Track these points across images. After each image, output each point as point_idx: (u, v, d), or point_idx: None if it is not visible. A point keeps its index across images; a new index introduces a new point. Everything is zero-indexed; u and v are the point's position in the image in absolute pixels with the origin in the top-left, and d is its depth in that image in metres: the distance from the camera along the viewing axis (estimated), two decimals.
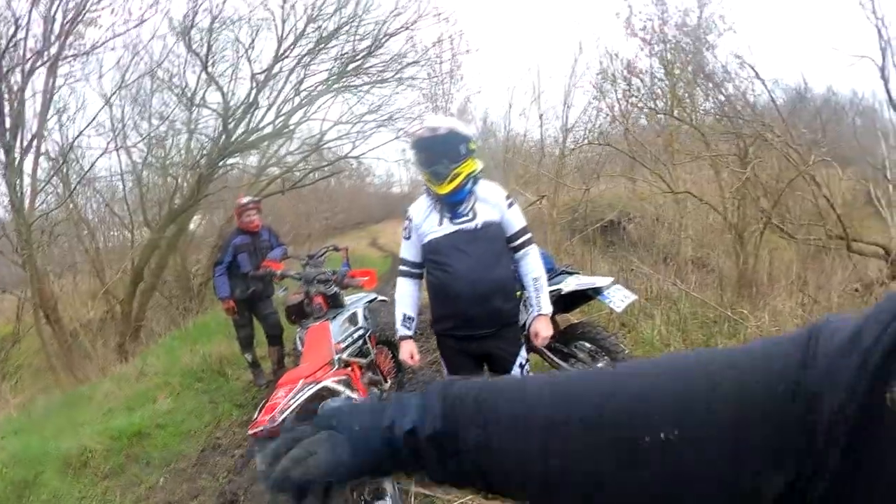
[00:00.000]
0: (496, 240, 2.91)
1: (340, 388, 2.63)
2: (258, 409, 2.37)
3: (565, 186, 9.81)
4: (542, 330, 2.95)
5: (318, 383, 2.54)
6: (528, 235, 3.00)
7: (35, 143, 10.26)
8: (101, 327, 12.73)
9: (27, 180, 10.28)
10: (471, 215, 2.87)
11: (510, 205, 2.95)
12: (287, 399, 2.33)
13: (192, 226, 14.43)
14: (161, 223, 11.82)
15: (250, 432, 2.24)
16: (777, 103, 8.01)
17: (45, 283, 10.51)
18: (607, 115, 9.68)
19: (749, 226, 7.77)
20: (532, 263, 2.99)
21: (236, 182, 13.91)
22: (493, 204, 2.91)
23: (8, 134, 9.58)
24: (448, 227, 2.89)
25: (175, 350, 8.05)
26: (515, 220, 2.96)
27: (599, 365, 3.74)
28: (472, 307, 2.86)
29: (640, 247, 10.08)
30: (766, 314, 4.63)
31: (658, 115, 9.66)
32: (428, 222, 2.94)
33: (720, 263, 8.24)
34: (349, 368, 3.17)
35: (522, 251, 2.99)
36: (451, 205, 2.89)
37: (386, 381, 4.10)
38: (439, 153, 2.78)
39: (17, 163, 9.70)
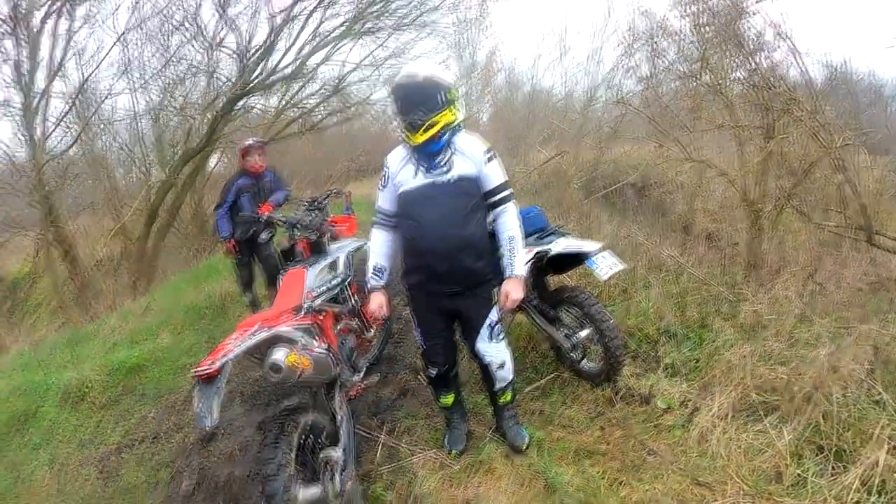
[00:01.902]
0: (471, 195, 2.83)
1: (297, 335, 2.61)
2: (207, 352, 2.39)
3: (586, 144, 9.58)
4: (512, 292, 2.87)
5: (271, 328, 2.53)
6: (507, 192, 2.90)
7: (51, 85, 10.30)
8: (116, 266, 12.96)
9: (47, 122, 10.39)
10: (446, 168, 2.79)
11: (489, 159, 2.85)
12: (234, 343, 2.34)
13: (211, 165, 14.46)
14: (176, 164, 11.82)
15: (192, 372, 2.27)
16: (810, 78, 7.63)
17: (60, 222, 10.65)
18: (633, 74, 9.37)
19: (766, 204, 7.54)
20: (508, 222, 2.89)
21: (255, 122, 13.84)
22: (470, 157, 2.82)
23: (26, 76, 9.60)
24: (422, 179, 2.82)
25: (182, 288, 8.13)
26: (494, 175, 2.86)
27: (583, 333, 3.68)
28: (440, 263, 2.81)
29: (657, 213, 9.86)
30: (767, 298, 4.48)
31: (685, 79, 9.31)
32: (403, 173, 2.87)
33: (731, 239, 8.03)
34: (321, 315, 3.14)
35: (500, 208, 2.90)
36: (427, 156, 2.81)
37: (370, 329, 4.07)
38: (415, 102, 2.70)
39: (34, 105, 9.72)
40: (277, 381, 2.39)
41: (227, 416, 4.20)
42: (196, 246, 12.71)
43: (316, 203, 3.98)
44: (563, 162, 9.62)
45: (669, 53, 9.36)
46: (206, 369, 2.22)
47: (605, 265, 3.50)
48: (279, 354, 2.35)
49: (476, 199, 2.84)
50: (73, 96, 11.11)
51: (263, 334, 2.47)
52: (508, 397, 3.24)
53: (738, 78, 8.81)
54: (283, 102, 14.12)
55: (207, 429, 2.21)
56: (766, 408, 3.09)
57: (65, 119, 11.44)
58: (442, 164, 2.80)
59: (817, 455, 2.75)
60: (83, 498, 3.62)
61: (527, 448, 3.16)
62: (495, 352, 3.05)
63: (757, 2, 9.52)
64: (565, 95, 12.20)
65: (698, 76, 8.84)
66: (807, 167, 7.08)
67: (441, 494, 2.92)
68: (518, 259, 2.89)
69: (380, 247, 3.06)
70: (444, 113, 2.73)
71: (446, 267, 2.81)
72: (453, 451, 3.22)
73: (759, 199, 7.58)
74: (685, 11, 9.66)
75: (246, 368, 4.93)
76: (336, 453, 2.55)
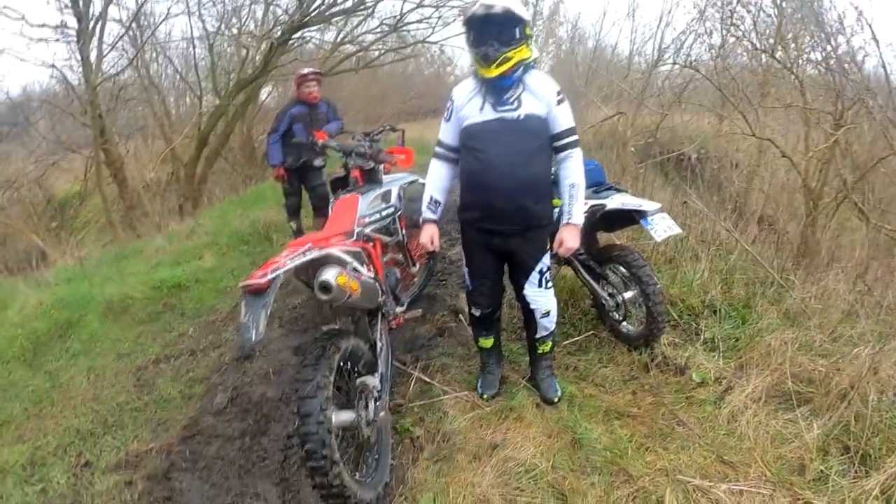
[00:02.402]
0: (538, 135, 2.75)
1: (347, 258, 2.59)
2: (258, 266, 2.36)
3: (646, 108, 9.28)
4: (568, 240, 2.82)
5: (323, 249, 2.50)
6: (574, 137, 2.82)
7: (106, 8, 10.33)
8: (165, 188, 13.24)
9: (102, 45, 10.47)
10: (515, 104, 2.71)
11: (560, 101, 2.76)
12: (285, 259, 2.30)
13: (262, 96, 14.48)
14: (230, 91, 11.87)
15: (240, 284, 2.22)
16: (888, 70, 7.20)
17: (111, 144, 10.83)
18: (704, 41, 9.00)
19: (825, 194, 7.25)
20: (573, 167, 2.82)
21: (310, 56, 13.78)
22: (541, 97, 2.73)
23: (81, 1, 9.63)
24: (489, 114, 2.74)
25: (229, 213, 8.25)
26: (563, 117, 2.78)
27: (628, 294, 3.64)
28: (501, 201, 2.75)
29: (711, 188, 9.59)
30: (815, 289, 4.36)
31: (758, 53, 8.91)
32: (470, 106, 2.80)
33: (785, 225, 7.77)
34: (371, 244, 3.13)
35: (565, 153, 2.82)
36: (497, 90, 2.73)
37: (414, 265, 4.07)
38: (491, 33, 2.61)
39: (90, 28, 9.79)
40: (326, 300, 2.34)
41: (265, 337, 4.25)
42: (244, 174, 12.86)
43: (369, 137, 3.94)
44: (619, 123, 9.34)
45: (744, 24, 8.98)
46: (255, 282, 2.17)
47: (662, 227, 3.42)
48: (330, 273, 2.29)
49: (542, 139, 2.77)
50: (129, 20, 11.19)
51: (315, 253, 2.43)
52: (548, 347, 3.22)
53: (813, 59, 8.43)
54: (340, 37, 13.97)
55: (252, 341, 2.12)
56: (800, 398, 3.03)
57: (121, 44, 11.59)
58: (511, 100, 2.72)
59: (843, 454, 2.69)
60: (118, 405, 3.70)
61: (558, 401, 3.15)
62: (543, 299, 3.02)
63: None
64: (630, 55, 11.81)
65: (772, 52, 8.47)
66: (873, 164, 6.79)
67: (469, 434, 2.93)
68: (577, 207, 2.83)
69: (437, 180, 3.02)
70: (519, 48, 2.64)
71: (506, 205, 2.76)
72: (485, 395, 3.22)
73: (819, 189, 7.31)
74: None
75: (287, 294, 5.03)
76: (373, 381, 2.55)
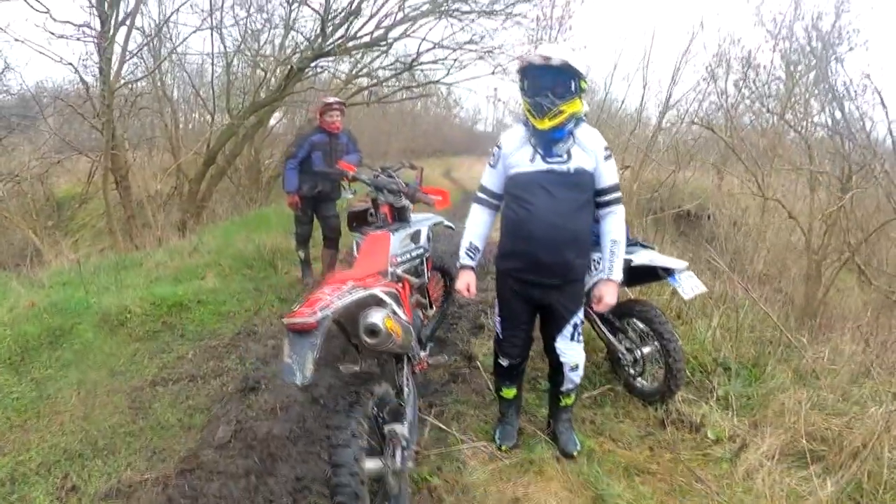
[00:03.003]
0: (585, 189, 2.74)
1: (388, 299, 2.49)
2: (299, 302, 2.23)
3: (653, 162, 9.40)
4: (607, 296, 2.81)
5: (366, 289, 2.40)
6: (618, 194, 2.82)
7: (131, 16, 10.36)
8: (167, 201, 13.16)
9: (118, 51, 10.43)
10: (565, 157, 2.70)
11: (607, 157, 2.76)
12: (331, 297, 2.19)
13: (272, 121, 14.50)
14: (243, 112, 11.88)
15: (285, 320, 2.09)
16: (894, 135, 7.36)
17: (120, 150, 10.78)
18: (713, 101, 9.17)
19: (829, 255, 7.32)
20: (615, 224, 2.82)
21: (324, 85, 13.81)
22: (590, 151, 2.72)
23: (107, 3, 9.64)
24: (539, 164, 2.72)
25: (232, 234, 8.15)
26: (609, 174, 2.78)
27: (646, 349, 3.63)
28: (545, 253, 2.72)
29: (713, 245, 9.66)
30: (827, 350, 4.39)
31: (767, 115, 9.11)
32: (519, 154, 2.78)
33: (793, 286, 7.82)
34: (400, 284, 3.03)
35: (609, 209, 2.82)
36: (547, 142, 2.71)
37: (431, 307, 4.00)
38: (546, 84, 2.59)
39: (112, 32, 9.79)
40: (371, 344, 2.24)
41: (270, 369, 4.17)
42: (248, 196, 12.84)
43: (387, 172, 3.92)
44: (625, 177, 9.45)
45: (756, 86, 9.18)
46: (303, 320, 2.04)
47: (689, 285, 3.43)
48: (378, 316, 2.20)
49: (588, 193, 2.76)
50: (155, 32, 11.24)
51: (360, 293, 2.33)
52: (571, 400, 3.16)
53: (821, 122, 8.60)
54: (355, 70, 14.12)
55: (298, 385, 2.02)
56: (813, 456, 3.03)
57: (137, 51, 11.59)
58: (561, 152, 2.71)
59: None
60: (110, 426, 3.49)
61: (577, 455, 3.08)
62: (574, 352, 2.98)
63: (850, 49, 9.22)
64: (639, 108, 11.96)
65: (782, 114, 8.65)
66: (877, 227, 6.88)
67: (490, 488, 2.84)
68: (618, 264, 2.82)
69: (478, 226, 2.98)
70: (573, 101, 2.63)
71: (550, 258, 2.73)
72: (504, 446, 3.15)
73: (823, 250, 7.38)
74: (776, 46, 9.48)
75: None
76: (402, 430, 2.43)
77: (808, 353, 4.23)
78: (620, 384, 3.85)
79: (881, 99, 6.84)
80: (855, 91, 7.44)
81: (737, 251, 9.63)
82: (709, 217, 11.01)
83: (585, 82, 2.68)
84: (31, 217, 12.18)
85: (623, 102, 12.35)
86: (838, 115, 7.76)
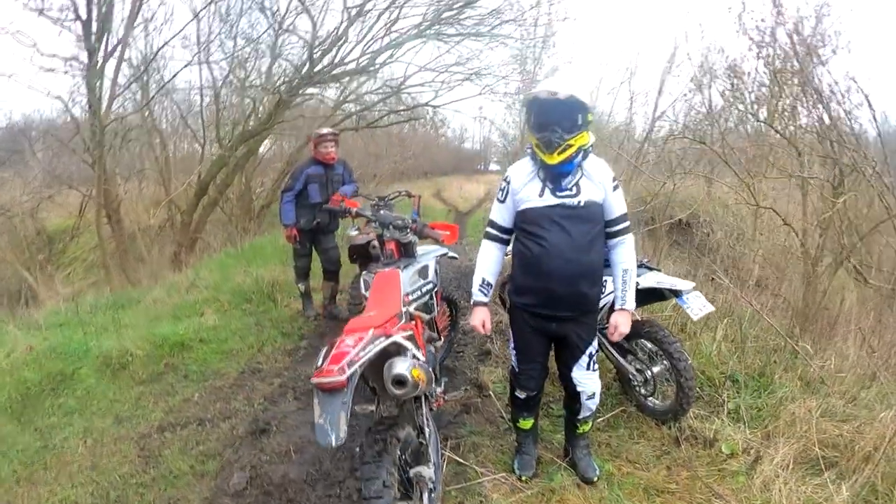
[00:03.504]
0: (596, 221, 2.75)
1: (408, 343, 2.47)
2: (322, 355, 2.19)
3: (642, 175, 9.46)
4: (622, 325, 2.82)
5: (387, 337, 2.37)
6: (628, 223, 2.84)
7: (119, 49, 10.37)
8: (160, 234, 13.10)
9: (108, 84, 10.44)
10: (574, 191, 2.71)
11: (615, 187, 2.77)
12: (356, 350, 2.16)
13: (262, 149, 14.51)
14: (233, 142, 11.87)
15: (314, 380, 2.04)
16: (883, 138, 7.45)
17: (111, 184, 10.75)
18: (699, 111, 9.25)
19: (824, 258, 7.37)
20: (626, 253, 2.83)
21: (313, 112, 13.87)
22: (598, 183, 2.74)
23: (94, 37, 9.64)
24: (549, 199, 2.72)
25: (228, 267, 8.08)
26: (618, 204, 2.79)
27: (656, 369, 3.64)
28: (561, 287, 2.73)
29: (707, 253, 9.70)
30: (834, 356, 4.43)
31: (753, 123, 9.18)
32: (528, 189, 2.78)
33: (791, 291, 7.86)
34: (413, 322, 3.01)
35: (619, 238, 2.82)
36: (556, 176, 2.71)
37: (440, 339, 3.94)
38: (555, 120, 2.60)
39: (99, 66, 9.80)
40: (399, 395, 2.21)
41: (280, 409, 4.11)
42: (240, 226, 12.81)
43: (384, 202, 3.92)
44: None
45: (741, 94, 9.26)
46: (332, 379, 2.00)
47: (697, 305, 3.45)
48: (403, 366, 2.17)
49: (599, 225, 2.76)
50: (144, 65, 11.27)
51: (384, 342, 2.30)
52: (587, 427, 3.15)
53: (807, 126, 8.68)
54: (343, 96, 14.18)
55: (333, 446, 1.97)
56: (826, 462, 3.07)
57: (126, 85, 11.61)
58: (570, 185, 2.71)
59: None
60: (121, 477, 3.40)
61: (597, 480, 3.07)
62: (590, 381, 2.97)
63: (833, 53, 9.36)
64: (625, 122, 12.09)
65: (770, 121, 8.72)
66: (871, 227, 6.94)
67: None
68: (630, 293, 2.82)
69: (490, 262, 2.97)
70: (581, 135, 2.64)
71: (565, 291, 2.73)
72: (524, 476, 3.13)
73: (818, 253, 7.42)
74: (760, 54, 9.58)
75: (298, 363, 4.90)
76: (428, 472, 2.38)
77: (815, 362, 4.26)
78: (632, 405, 3.85)
79: (867, 100, 6.88)
80: (841, 93, 7.50)
81: (733, 259, 9.69)
82: (701, 226, 11.07)
83: (592, 114, 2.69)
84: (23, 253, 12.10)
85: (610, 116, 12.50)
86: (826, 118, 7.82)
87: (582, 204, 2.69)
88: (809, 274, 7.37)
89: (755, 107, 9.40)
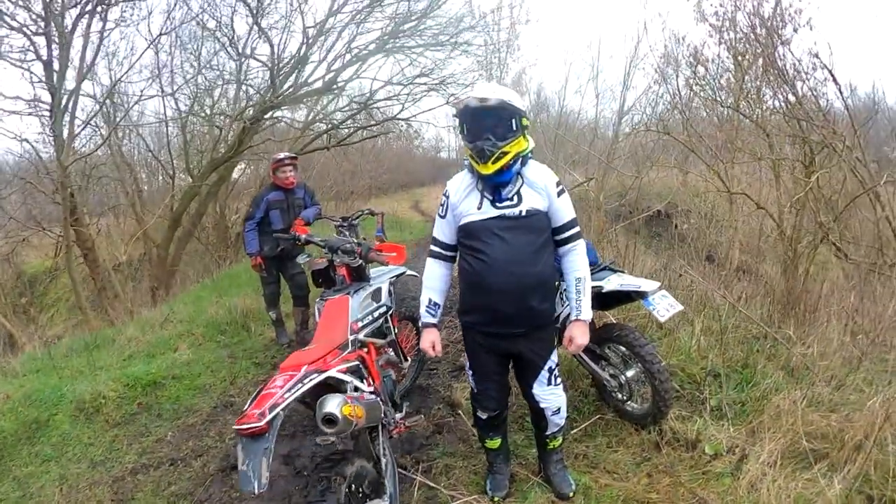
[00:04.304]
0: (540, 230, 2.61)
1: (347, 377, 2.38)
2: (251, 398, 2.12)
3: (615, 171, 9.42)
4: (578, 337, 2.68)
5: (321, 372, 2.28)
6: (577, 229, 2.70)
7: (80, 85, 10.31)
8: (137, 269, 12.96)
9: (75, 122, 10.38)
10: (515, 200, 2.58)
11: (560, 192, 2.64)
12: (283, 391, 2.08)
13: (235, 175, 14.45)
14: (203, 171, 11.83)
15: (236, 426, 1.97)
16: (850, 112, 7.43)
17: (81, 223, 10.63)
18: (667, 101, 9.24)
19: (803, 238, 7.33)
20: (578, 261, 2.70)
21: (282, 135, 13.84)
22: (541, 189, 2.61)
23: (56, 77, 9.58)
24: (488, 211, 2.59)
25: (203, 299, 8.00)
26: (565, 209, 2.66)
27: (630, 373, 3.53)
28: (506, 304, 2.59)
29: (686, 243, 9.67)
30: (816, 342, 4.30)
31: (721, 108, 9.16)
32: (467, 202, 2.65)
33: (769, 274, 7.82)
34: (365, 349, 2.93)
35: (568, 246, 2.70)
36: (494, 186, 2.59)
37: (406, 360, 3.87)
38: (486, 127, 2.48)
39: (63, 104, 9.71)
40: (330, 434, 2.12)
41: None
42: (217, 254, 12.69)
43: (348, 222, 3.83)
44: (589, 188, 9.44)
45: (704, 81, 9.27)
46: (252, 425, 1.93)
47: (663, 306, 3.34)
48: (333, 405, 2.09)
49: (545, 234, 2.64)
50: (103, 98, 11.18)
51: (314, 379, 2.22)
52: (558, 442, 3.04)
53: (775, 108, 8.68)
54: (311, 116, 14.12)
55: (255, 494, 1.91)
56: (815, 455, 2.96)
57: (93, 120, 11.53)
58: (510, 195, 2.59)
59: None
60: None
61: (573, 495, 2.97)
62: (553, 397, 2.86)
63: (795, 31, 9.39)
64: (594, 119, 12.12)
65: (736, 106, 8.71)
66: (847, 203, 6.91)
67: None
68: (585, 302, 2.69)
69: (435, 281, 2.86)
70: (516, 141, 2.52)
71: (512, 308, 2.60)
72: (496, 497, 3.02)
73: (796, 233, 7.39)
74: (721, 39, 9.59)
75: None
76: None
77: (797, 349, 4.15)
78: (610, 411, 3.75)
79: (832, 76, 6.86)
80: (805, 72, 7.49)
81: (711, 246, 9.65)
82: (679, 215, 11.07)
83: (527, 119, 2.57)
84: (1, 300, 11.93)
85: (578, 115, 12.51)
86: (792, 98, 7.81)
87: (524, 213, 2.57)
88: (788, 255, 7.34)
89: (721, 94, 9.42)
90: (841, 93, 7.02)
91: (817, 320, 5.17)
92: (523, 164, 2.62)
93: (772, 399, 3.47)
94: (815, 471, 2.82)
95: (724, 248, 9.29)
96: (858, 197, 6.79)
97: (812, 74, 7.39)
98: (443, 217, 2.77)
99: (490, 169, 2.50)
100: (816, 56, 7.12)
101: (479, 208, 2.62)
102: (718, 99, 9.11)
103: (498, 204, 2.60)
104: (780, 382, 3.69)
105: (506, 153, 2.49)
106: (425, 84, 12.79)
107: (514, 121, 2.50)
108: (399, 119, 14.17)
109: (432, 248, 2.86)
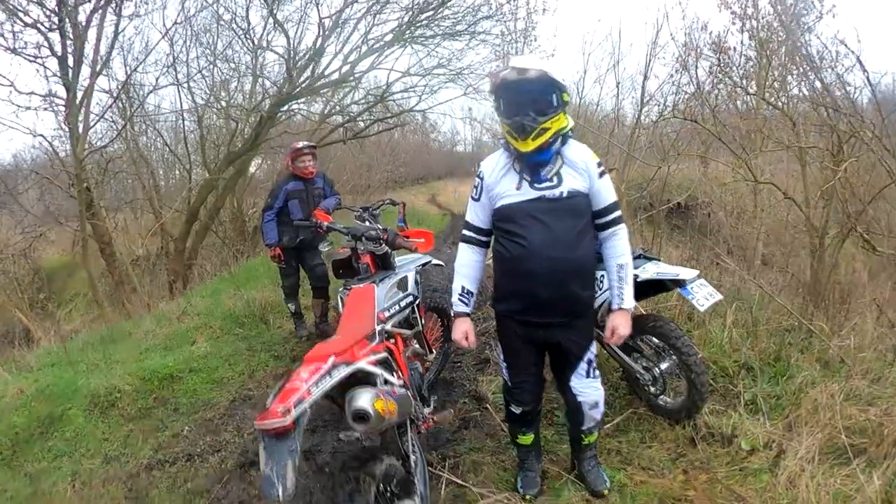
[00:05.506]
0: (582, 213, 2.47)
1: (377, 370, 2.23)
2: (273, 392, 1.95)
3: (636, 161, 9.23)
4: (621, 327, 2.54)
5: (349, 364, 2.13)
6: (619, 213, 2.55)
7: (96, 80, 10.28)
8: (155, 263, 12.97)
9: (90, 117, 10.38)
10: (555, 181, 2.43)
11: (602, 173, 2.49)
12: (309, 384, 1.92)
13: (252, 169, 14.42)
14: (220, 165, 11.80)
15: (257, 424, 1.79)
16: (878, 99, 7.20)
17: (99, 218, 10.63)
18: (688, 91, 9.03)
19: (830, 229, 7.15)
20: (620, 246, 2.56)
21: (298, 128, 13.75)
22: (582, 170, 2.46)
23: (70, 72, 9.56)
24: (527, 192, 2.44)
25: (220, 292, 7.89)
26: (606, 191, 2.51)
27: (664, 365, 3.39)
28: (546, 290, 2.45)
29: (709, 235, 9.48)
30: (853, 333, 4.14)
31: (745, 97, 8.96)
32: (503, 183, 2.51)
33: (798, 266, 7.64)
34: (392, 341, 2.80)
35: (610, 230, 2.55)
36: (533, 166, 2.44)
37: (431, 352, 3.74)
38: (525, 102, 2.32)
39: (78, 100, 9.70)
40: (362, 431, 1.99)
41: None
42: (234, 248, 12.68)
43: (369, 212, 3.73)
44: (613, 179, 9.28)
45: (728, 69, 9.06)
46: (276, 423, 1.75)
47: (703, 294, 3.20)
48: (364, 399, 1.93)
49: (586, 217, 2.49)
50: (118, 90, 11.16)
51: (343, 372, 2.07)
52: (594, 438, 2.91)
53: (801, 95, 8.47)
54: (328, 109, 14.03)
55: (280, 500, 1.70)
56: (854, 451, 2.86)
57: (109, 115, 11.58)
58: (550, 175, 2.44)
59: None
60: None
61: (608, 493, 2.84)
62: (591, 390, 2.72)
63: (818, 19, 9.15)
64: (614, 109, 11.90)
65: (763, 94, 8.51)
66: (876, 192, 6.72)
67: None
68: (628, 290, 2.56)
69: (468, 268, 2.71)
70: (557, 118, 2.37)
71: (552, 294, 2.46)
72: (528, 495, 2.89)
73: (825, 224, 7.21)
74: (744, 27, 9.38)
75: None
76: None
77: (833, 341, 4.01)
78: (643, 405, 3.63)
79: (858, 61, 6.63)
80: (832, 58, 7.28)
81: (735, 238, 9.47)
82: (700, 207, 10.89)
83: (567, 94, 2.43)
84: (18, 294, 11.97)
85: (598, 105, 12.30)
86: (818, 85, 7.60)
87: (564, 195, 2.43)
88: (816, 247, 7.16)
89: (744, 81, 9.21)
90: (869, 80, 6.81)
91: (849, 313, 5.04)
92: (563, 142, 2.47)
93: (808, 393, 3.36)
94: (854, 466, 2.72)
95: (748, 240, 9.12)
96: (887, 187, 6.61)
97: (839, 61, 7.19)
98: (476, 200, 2.63)
99: (530, 146, 2.36)
100: (843, 42, 6.92)
101: (517, 189, 2.48)
102: (742, 87, 8.90)
103: (537, 185, 2.45)
104: (815, 376, 3.57)
105: (546, 129, 2.35)
106: (443, 75, 12.68)
107: (554, 96, 2.36)
108: (416, 110, 14.04)
109: (465, 232, 2.72)
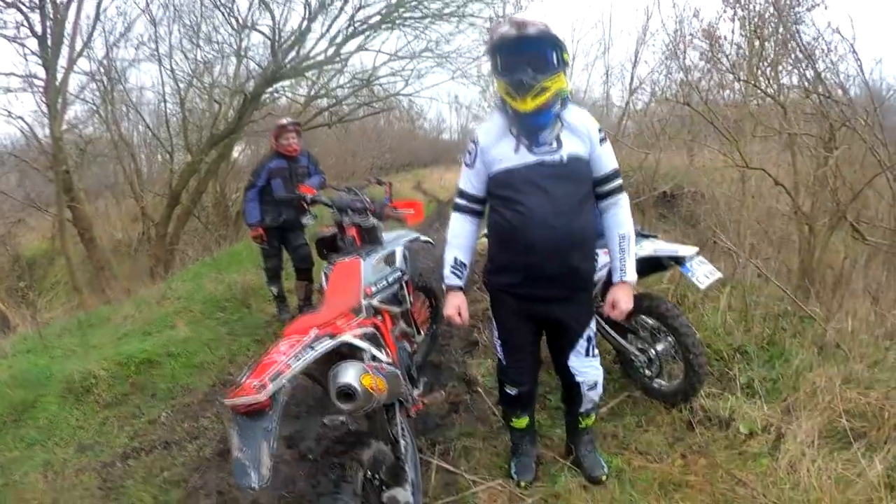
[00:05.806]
0: (583, 180, 2.33)
1: (364, 344, 2.08)
2: (247, 367, 1.75)
3: (625, 148, 9.15)
4: (622, 301, 2.41)
5: (334, 337, 1.97)
6: (620, 181, 2.41)
7: (75, 61, 10.22)
8: (137, 248, 12.75)
9: (67, 97, 10.31)
10: (555, 145, 2.28)
11: (602, 139, 2.35)
12: (287, 359, 1.73)
13: (234, 154, 14.24)
14: (202, 148, 11.61)
15: (227, 401, 1.59)
16: (871, 88, 7.17)
17: (78, 202, 10.43)
18: (679, 77, 8.96)
19: (819, 217, 7.13)
20: (621, 216, 2.42)
21: (282, 111, 13.56)
22: (582, 135, 2.31)
23: (50, 52, 9.43)
24: (526, 157, 2.29)
25: (202, 276, 7.74)
26: (607, 157, 2.37)
27: (660, 347, 3.30)
28: (546, 261, 2.30)
29: (694, 224, 9.45)
30: (850, 319, 4.10)
31: (735, 85, 8.89)
32: (500, 147, 2.34)
33: (787, 255, 7.61)
34: (379, 317, 2.64)
35: (611, 199, 2.42)
36: (532, 129, 2.28)
37: (419, 333, 3.59)
38: (523, 60, 2.16)
39: (58, 81, 9.58)
40: (349, 410, 1.79)
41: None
42: (217, 233, 12.48)
43: (353, 191, 3.59)
44: None
45: (725, 56, 8.98)
46: (249, 399, 1.56)
47: (702, 272, 3.11)
48: (351, 374, 1.76)
49: (587, 184, 2.35)
50: (98, 65, 11.08)
51: (326, 345, 1.90)
52: (591, 421, 2.80)
53: (793, 84, 8.42)
54: (313, 91, 13.83)
55: (254, 487, 1.51)
56: (854, 434, 2.83)
57: (90, 98, 11.45)
58: (549, 140, 2.29)
59: None
60: None
61: (606, 478, 2.73)
62: (590, 369, 2.60)
63: (810, 9, 9.09)
64: (603, 96, 11.83)
65: (755, 82, 8.43)
66: (866, 182, 6.70)
67: None
68: (630, 262, 2.42)
69: (461, 238, 2.54)
70: (557, 77, 2.21)
71: (553, 267, 2.32)
72: (523, 482, 2.77)
73: (814, 212, 7.18)
74: (735, 15, 9.30)
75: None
76: (404, 496, 2.02)
77: (831, 325, 3.97)
78: (637, 388, 3.53)
79: (852, 48, 6.57)
80: (826, 47, 7.22)
81: (722, 227, 9.42)
82: (686, 196, 10.84)
83: (567, 54, 2.27)
84: None
85: (585, 93, 12.23)
86: (810, 73, 7.55)
87: (564, 160, 2.28)
88: (806, 235, 7.13)
89: (735, 68, 9.13)
90: (861, 69, 6.76)
91: (842, 299, 5.01)
92: (563, 106, 2.32)
93: (806, 376, 3.33)
94: (855, 450, 2.69)
95: (735, 228, 9.09)
96: (876, 176, 6.59)
97: (833, 48, 7.14)
98: (470, 166, 2.46)
99: (529, 105, 2.20)
100: (836, 31, 6.86)
101: (515, 153, 2.32)
102: (733, 73, 8.83)
103: (536, 149, 2.30)
104: (812, 360, 3.55)
105: (546, 88, 2.19)
106: (431, 58, 12.59)
107: (554, 53, 2.21)
108: (402, 95, 13.93)
109: (458, 201, 2.55)
